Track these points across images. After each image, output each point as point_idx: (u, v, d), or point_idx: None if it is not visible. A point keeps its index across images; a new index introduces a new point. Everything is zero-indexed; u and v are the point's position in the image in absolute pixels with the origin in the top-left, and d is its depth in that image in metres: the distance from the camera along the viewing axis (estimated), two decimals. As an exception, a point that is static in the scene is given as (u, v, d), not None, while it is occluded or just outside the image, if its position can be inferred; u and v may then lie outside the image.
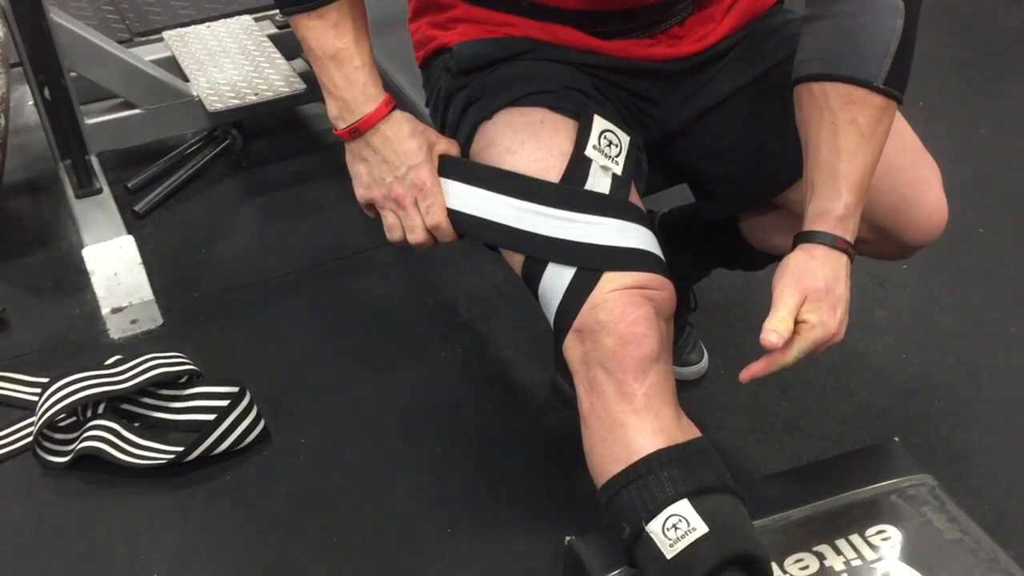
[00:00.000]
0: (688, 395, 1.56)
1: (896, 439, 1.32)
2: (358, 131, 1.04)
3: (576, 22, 1.11)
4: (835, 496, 1.19)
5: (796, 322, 0.96)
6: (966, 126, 2.25)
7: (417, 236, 1.06)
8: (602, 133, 1.02)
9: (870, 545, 1.13)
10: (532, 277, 1.02)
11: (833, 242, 0.98)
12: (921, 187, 1.15)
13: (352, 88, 1.03)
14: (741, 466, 1.46)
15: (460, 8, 1.14)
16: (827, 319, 0.96)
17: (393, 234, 1.08)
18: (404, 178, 1.04)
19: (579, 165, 1.00)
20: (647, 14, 1.13)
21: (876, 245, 1.21)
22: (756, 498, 1.17)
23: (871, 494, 1.20)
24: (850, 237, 0.99)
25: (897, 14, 0.97)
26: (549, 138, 1.03)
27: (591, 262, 0.98)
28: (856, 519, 1.17)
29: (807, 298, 0.96)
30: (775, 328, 0.94)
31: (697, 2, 1.17)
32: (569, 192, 1.00)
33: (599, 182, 1.01)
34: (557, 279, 0.99)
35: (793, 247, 1.00)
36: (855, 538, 1.14)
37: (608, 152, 1.02)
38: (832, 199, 0.98)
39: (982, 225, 1.93)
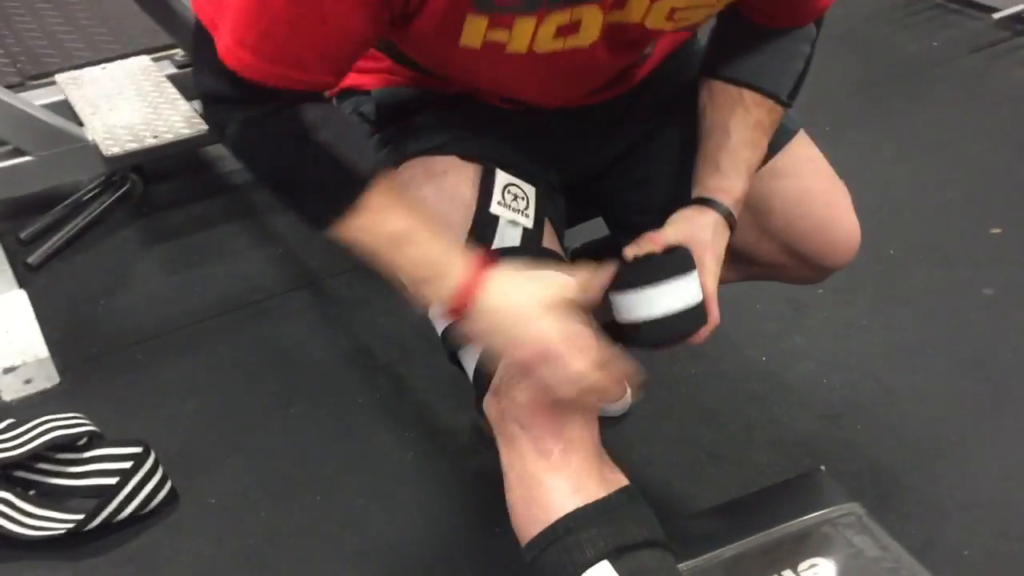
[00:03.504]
0: (612, 431, 1.53)
1: (822, 467, 1.31)
2: (460, 311, 0.89)
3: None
4: (766, 531, 1.18)
5: None
6: (870, 149, 2.29)
7: (567, 391, 0.88)
8: (505, 188, 1.00)
9: (803, 580, 1.11)
10: (452, 348, 1.01)
11: (729, 215, 1.05)
12: (836, 211, 1.17)
13: (424, 268, 0.88)
14: (669, 502, 1.43)
15: (387, 63, 1.10)
16: (714, 269, 1.01)
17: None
18: (522, 343, 0.88)
19: (485, 224, 0.98)
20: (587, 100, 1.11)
21: (791, 270, 1.22)
22: (687, 536, 1.15)
23: (801, 526, 1.19)
24: (738, 218, 1.06)
25: (810, 40, 1.09)
26: (452, 189, 1.00)
27: None
28: (788, 553, 1.15)
29: (690, 242, 1.00)
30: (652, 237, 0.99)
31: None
32: None
33: (507, 238, 0.99)
34: None
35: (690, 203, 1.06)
36: (787, 573, 1.13)
37: (515, 206, 1.00)
38: (735, 180, 1.06)
39: (892, 246, 1.96)
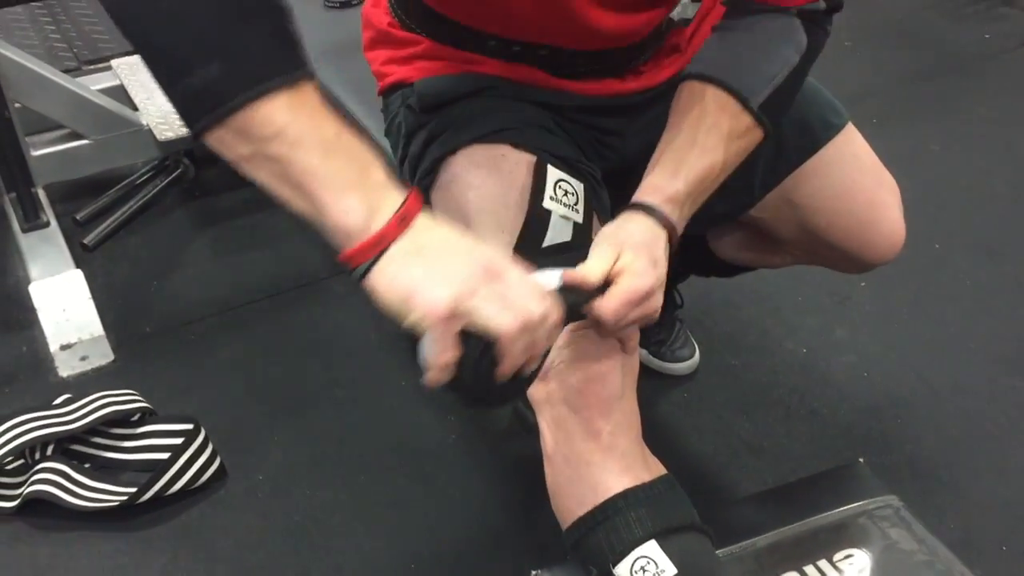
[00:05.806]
0: (652, 419, 1.54)
1: (861, 460, 1.31)
2: (404, 220, 0.78)
3: (544, 64, 1.09)
4: (802, 521, 1.19)
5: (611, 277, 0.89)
6: (918, 142, 2.27)
7: (508, 321, 0.76)
8: (557, 183, 1.01)
9: (838, 570, 1.12)
10: None
11: (657, 215, 0.94)
12: (879, 210, 1.16)
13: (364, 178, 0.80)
14: (706, 491, 1.45)
15: (424, 45, 1.11)
16: (644, 269, 0.89)
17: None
18: (471, 263, 0.78)
19: (538, 219, 0.98)
20: (619, 55, 1.11)
21: (834, 262, 1.24)
22: (723, 525, 1.16)
23: (838, 517, 1.20)
24: (675, 221, 0.95)
25: (798, 50, 0.98)
26: (510, 172, 1.01)
27: None
28: (823, 543, 1.16)
29: (624, 249, 0.90)
30: (586, 268, 0.88)
31: (663, 37, 1.15)
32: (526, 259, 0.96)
33: (561, 233, 0.98)
34: None
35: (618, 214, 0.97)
36: (823, 563, 1.13)
37: (566, 201, 1.00)
38: (670, 180, 0.96)
39: (937, 241, 1.95)
